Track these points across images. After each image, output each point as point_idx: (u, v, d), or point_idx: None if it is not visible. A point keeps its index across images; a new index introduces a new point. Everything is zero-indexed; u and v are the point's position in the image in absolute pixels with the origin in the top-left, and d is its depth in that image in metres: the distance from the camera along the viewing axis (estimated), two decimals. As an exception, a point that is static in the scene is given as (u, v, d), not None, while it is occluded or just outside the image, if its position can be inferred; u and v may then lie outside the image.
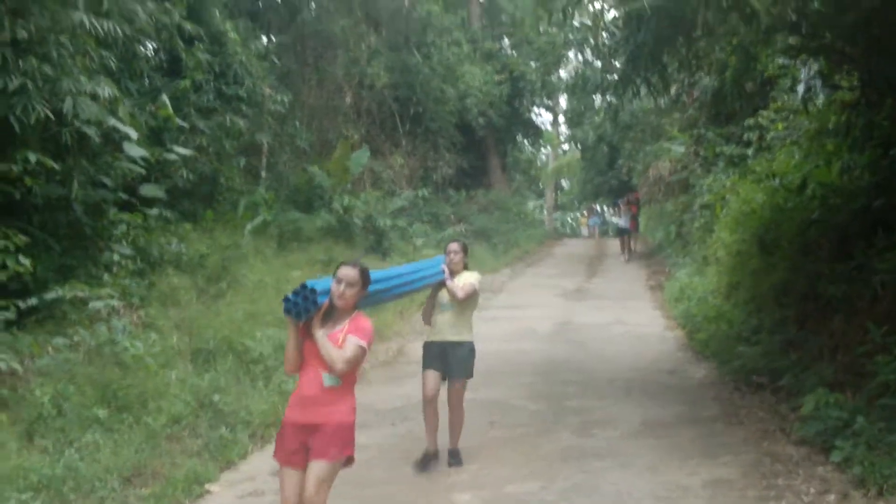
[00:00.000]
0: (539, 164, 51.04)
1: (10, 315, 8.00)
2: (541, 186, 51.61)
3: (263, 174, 18.16)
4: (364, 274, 4.95)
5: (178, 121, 13.17)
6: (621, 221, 29.16)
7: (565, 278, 22.27)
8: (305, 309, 4.77)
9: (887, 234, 9.11)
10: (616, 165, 39.21)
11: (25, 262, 8.31)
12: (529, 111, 36.35)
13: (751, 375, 10.06)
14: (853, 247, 9.65)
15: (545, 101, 39.75)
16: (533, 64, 33.77)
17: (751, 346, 10.84)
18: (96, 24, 10.05)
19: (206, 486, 6.86)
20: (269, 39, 21.76)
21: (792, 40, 10.68)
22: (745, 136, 17.02)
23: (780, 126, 14.90)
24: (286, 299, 4.82)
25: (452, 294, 7.15)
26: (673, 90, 14.87)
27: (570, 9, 8.90)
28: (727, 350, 11.26)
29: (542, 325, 14.70)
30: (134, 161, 11.02)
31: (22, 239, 8.40)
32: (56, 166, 9.15)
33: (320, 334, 4.79)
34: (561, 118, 49.00)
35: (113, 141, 10.77)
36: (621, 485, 6.81)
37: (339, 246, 17.41)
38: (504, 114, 31.74)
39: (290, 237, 16.57)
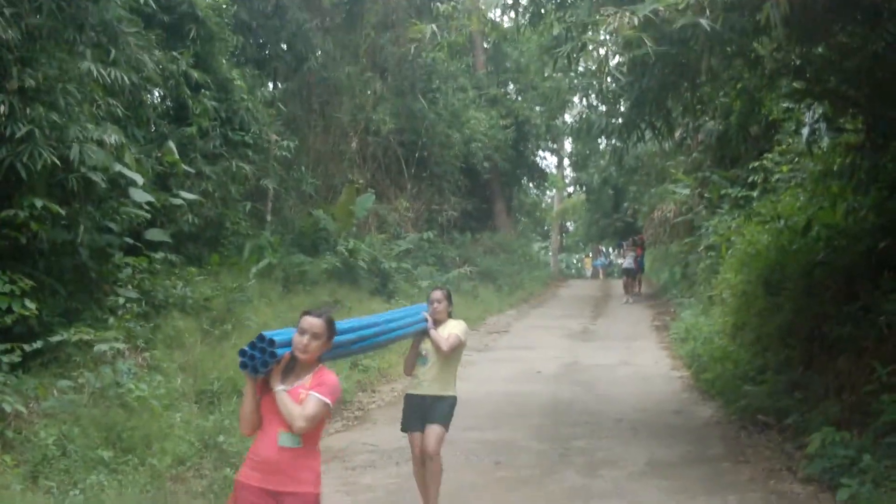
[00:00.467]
0: (544, 206, 51.20)
1: (16, 358, 8.01)
2: (546, 228, 51.72)
3: (269, 218, 18.23)
4: (330, 325, 4.51)
5: (185, 166, 13.27)
6: (625, 262, 29.29)
7: (571, 319, 22.27)
8: (263, 362, 4.34)
9: (892, 275, 9.14)
10: (621, 208, 39.35)
11: (31, 305, 8.34)
12: (534, 155, 36.58)
13: (757, 415, 10.05)
14: (858, 288, 9.67)
15: (550, 144, 40.06)
16: (538, 109, 34.00)
17: (757, 385, 10.80)
18: (103, 72, 10.22)
19: (210, 528, 6.83)
20: (276, 86, 21.95)
21: (796, 84, 10.79)
22: (750, 179, 17.05)
23: (784, 168, 14.95)
24: (242, 352, 4.41)
25: (437, 346, 6.69)
26: (677, 134, 14.92)
27: (574, 55, 8.99)
28: (733, 390, 11.24)
29: (548, 366, 14.67)
30: (140, 206, 11.08)
31: (28, 283, 8.44)
32: (62, 212, 9.20)
33: (280, 389, 4.33)
34: (566, 161, 49.28)
35: (119, 186, 10.84)
36: (627, 525, 6.78)
37: (343, 288, 17.45)
38: (509, 157, 31.88)
39: (295, 280, 16.60)
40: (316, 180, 21.15)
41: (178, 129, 14.11)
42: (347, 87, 23.60)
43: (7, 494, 6.21)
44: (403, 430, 6.92)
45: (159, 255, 11.82)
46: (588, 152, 40.99)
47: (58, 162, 8.94)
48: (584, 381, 13.42)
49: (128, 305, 10.37)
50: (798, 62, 9.84)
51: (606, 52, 8.56)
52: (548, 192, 51.63)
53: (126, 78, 10.68)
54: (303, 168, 20.58)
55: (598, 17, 7.87)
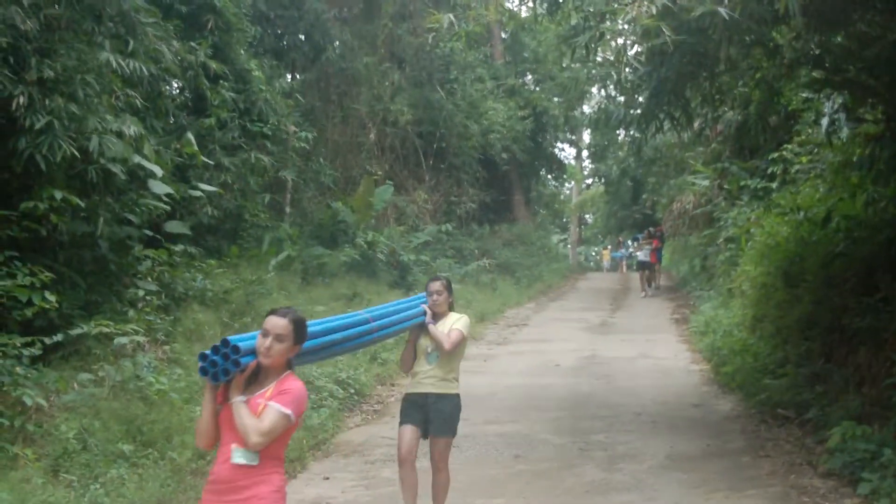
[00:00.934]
0: (563, 198, 51.07)
1: (36, 351, 8.03)
2: (564, 220, 51.62)
3: (288, 210, 18.26)
4: (298, 326, 3.99)
5: (203, 158, 13.28)
6: (641, 255, 28.20)
7: (589, 312, 22.21)
8: (224, 370, 3.87)
9: (912, 266, 9.06)
10: (640, 199, 39.16)
11: (51, 298, 8.35)
12: (553, 146, 36.44)
13: (777, 408, 10.00)
14: (878, 279, 9.59)
15: (568, 135, 39.93)
16: (556, 99, 33.91)
17: (776, 378, 10.75)
18: (122, 63, 10.23)
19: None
20: (294, 77, 22.00)
21: (815, 74, 10.70)
22: (770, 170, 16.96)
23: (804, 159, 14.85)
24: (202, 356, 3.94)
25: (438, 343, 6.18)
26: (696, 124, 14.84)
27: (592, 45, 8.93)
28: (753, 383, 11.18)
29: (567, 359, 14.64)
30: (159, 198, 11.10)
31: (48, 276, 8.45)
32: (82, 203, 9.22)
33: (237, 400, 3.85)
34: (584, 153, 49.11)
35: (138, 178, 10.87)
36: (646, 519, 6.76)
37: (362, 281, 17.49)
38: (527, 149, 31.77)
39: (314, 273, 16.64)
40: (334, 172, 21.20)
41: (197, 121, 14.15)
42: (365, 77, 23.64)
43: (28, 488, 6.24)
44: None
45: (179, 248, 11.84)
46: (606, 143, 40.79)
47: (77, 153, 8.95)
48: (604, 374, 13.37)
49: (147, 298, 10.41)
50: (817, 51, 9.75)
51: (624, 41, 8.52)
52: (566, 184, 51.54)
53: (144, 69, 10.70)
54: (321, 159, 20.62)
55: (616, 5, 7.83)
